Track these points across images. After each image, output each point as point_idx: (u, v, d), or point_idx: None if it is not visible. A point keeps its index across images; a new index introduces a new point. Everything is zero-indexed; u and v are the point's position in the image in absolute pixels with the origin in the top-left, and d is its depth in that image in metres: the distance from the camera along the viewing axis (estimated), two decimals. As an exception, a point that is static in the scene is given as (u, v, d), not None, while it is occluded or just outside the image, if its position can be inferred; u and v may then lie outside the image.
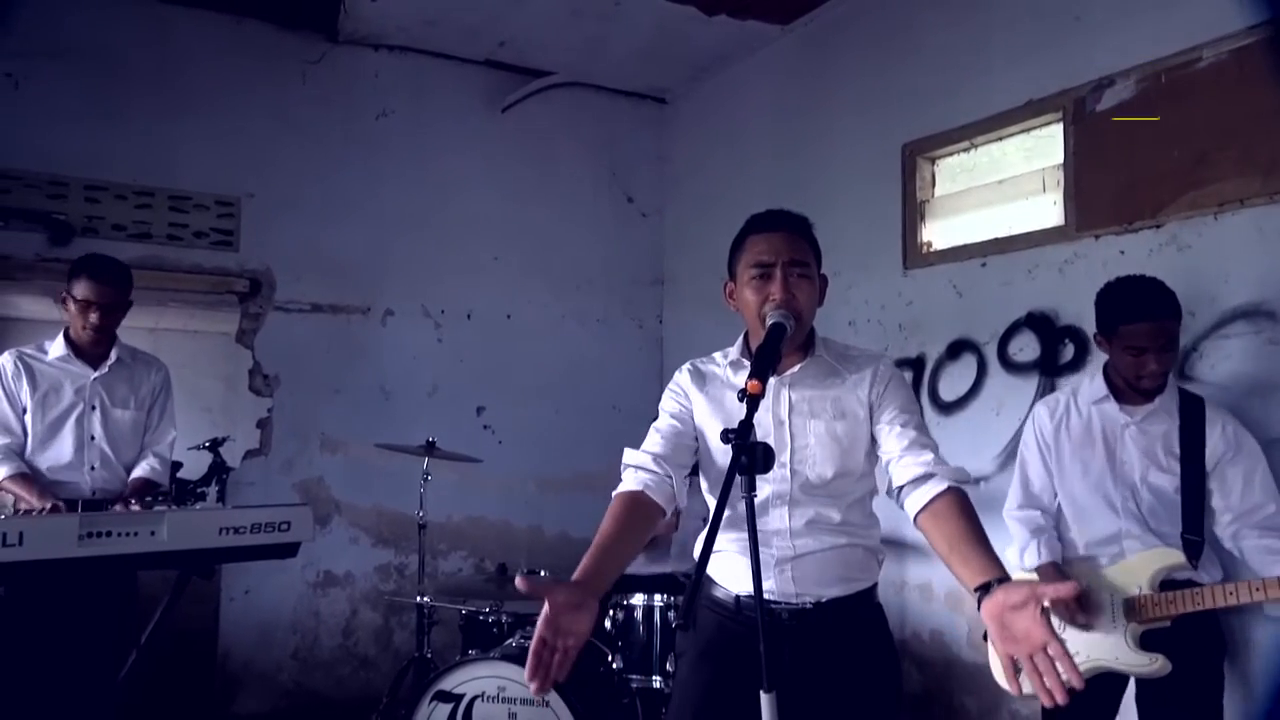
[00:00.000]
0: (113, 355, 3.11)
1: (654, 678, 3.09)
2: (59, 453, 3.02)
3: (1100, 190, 3.10)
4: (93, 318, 2.98)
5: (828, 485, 1.81)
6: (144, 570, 2.78)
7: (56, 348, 3.06)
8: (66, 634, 2.76)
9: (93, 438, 3.05)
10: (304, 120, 4.60)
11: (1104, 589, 2.34)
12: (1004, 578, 1.48)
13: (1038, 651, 1.34)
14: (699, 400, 1.90)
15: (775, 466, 1.64)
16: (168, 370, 3.30)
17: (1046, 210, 3.36)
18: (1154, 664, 2.24)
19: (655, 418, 1.93)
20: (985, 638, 2.57)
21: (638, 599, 3.15)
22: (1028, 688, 1.39)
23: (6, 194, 4.05)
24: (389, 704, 3.51)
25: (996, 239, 3.50)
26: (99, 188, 4.20)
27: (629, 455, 1.84)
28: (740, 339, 1.94)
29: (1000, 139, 3.57)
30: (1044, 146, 3.39)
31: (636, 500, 1.76)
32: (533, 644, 1.44)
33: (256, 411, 4.54)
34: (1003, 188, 3.55)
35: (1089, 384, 2.55)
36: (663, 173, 5.48)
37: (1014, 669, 1.39)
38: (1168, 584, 2.30)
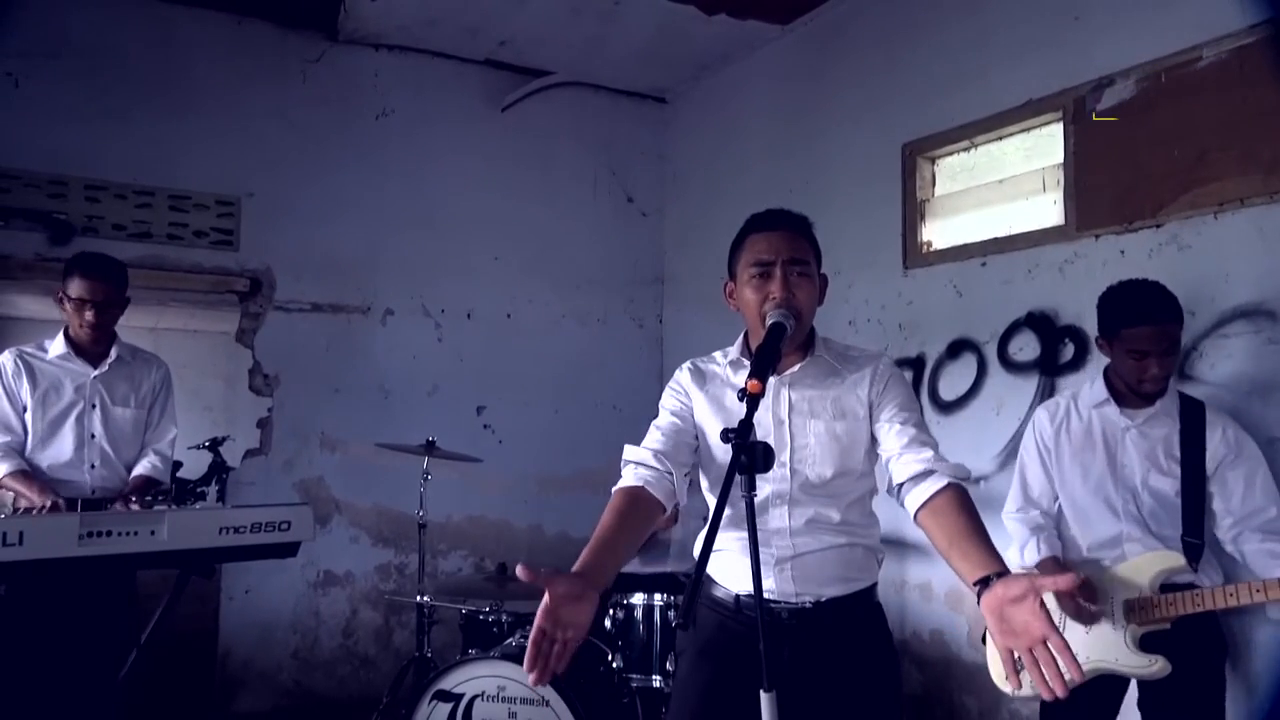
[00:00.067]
0: (113, 353, 3.11)
1: (654, 677, 3.09)
2: (59, 451, 3.02)
3: (1100, 190, 3.10)
4: (88, 315, 2.98)
5: (827, 485, 1.81)
6: (144, 570, 2.78)
7: (57, 346, 3.06)
8: (67, 633, 2.76)
9: (93, 436, 3.05)
10: (304, 120, 4.60)
11: (1104, 590, 2.34)
12: (1003, 571, 1.48)
13: (1037, 644, 1.33)
14: (699, 399, 1.90)
15: (775, 466, 1.64)
16: (168, 368, 3.30)
17: (1046, 210, 3.36)
18: (1154, 665, 2.24)
19: (655, 416, 1.93)
20: (984, 639, 2.58)
21: (638, 598, 3.15)
22: (1025, 688, 1.38)
23: (7, 193, 4.05)
24: (389, 703, 3.51)
25: (996, 239, 3.50)
26: (99, 187, 4.20)
27: (629, 451, 1.84)
28: (740, 338, 1.94)
29: (1000, 139, 3.57)
30: (1044, 146, 3.39)
31: (636, 496, 1.76)
32: (532, 634, 1.43)
33: (256, 411, 4.54)
34: (1003, 187, 3.55)
35: (1089, 388, 2.55)
36: (663, 172, 5.48)
37: (1013, 663, 1.38)
38: (1168, 587, 2.30)
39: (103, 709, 2.79)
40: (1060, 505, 2.55)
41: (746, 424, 1.46)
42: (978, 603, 1.45)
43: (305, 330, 4.59)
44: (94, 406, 3.06)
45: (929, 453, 1.73)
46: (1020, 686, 1.48)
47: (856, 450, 1.83)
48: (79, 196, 4.17)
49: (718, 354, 1.96)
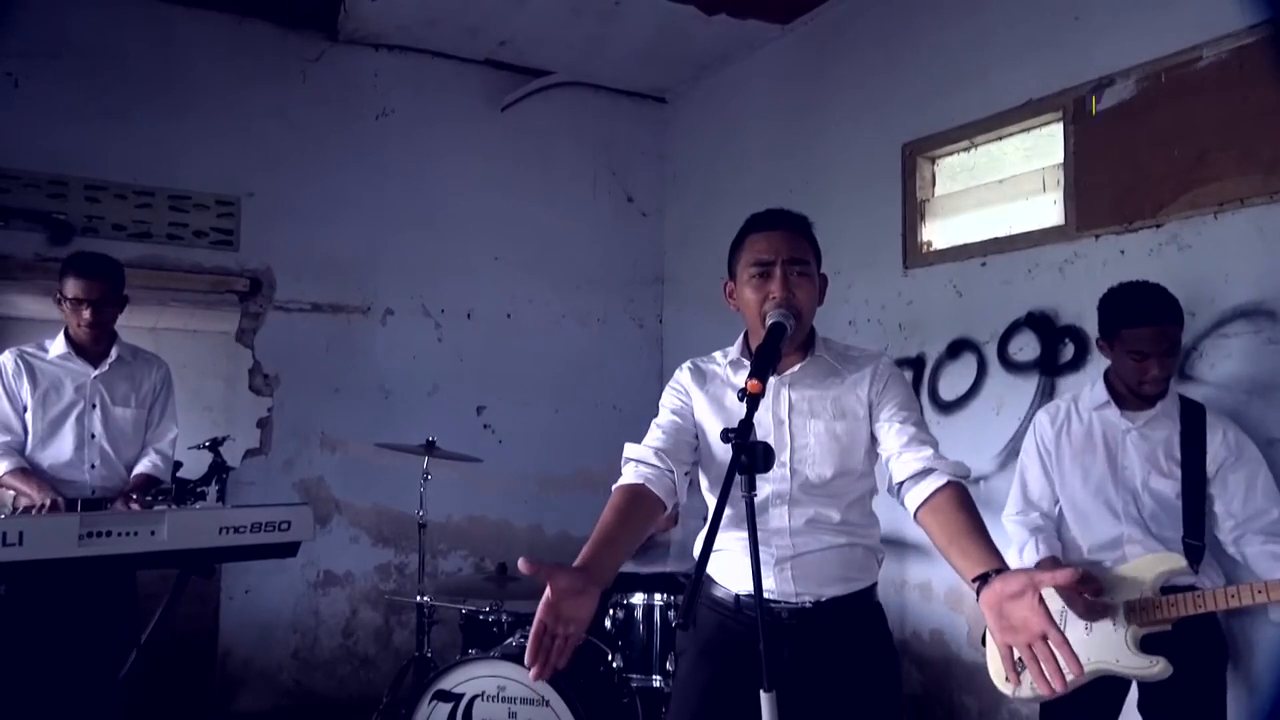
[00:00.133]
0: (113, 353, 3.11)
1: (654, 677, 3.09)
2: (59, 450, 3.02)
3: (1100, 190, 3.10)
4: (85, 315, 2.97)
5: (827, 485, 1.81)
6: (144, 570, 2.78)
7: (57, 346, 3.06)
8: (67, 633, 2.76)
9: (93, 436, 3.05)
10: (304, 120, 4.60)
11: (1105, 591, 2.34)
12: (1003, 568, 1.47)
13: (1036, 640, 1.33)
14: (699, 398, 1.90)
15: (775, 466, 1.64)
16: (169, 368, 3.30)
17: (1046, 210, 3.36)
18: (1154, 666, 2.23)
19: (656, 416, 1.93)
20: (984, 640, 2.58)
21: (638, 598, 3.15)
22: (1025, 688, 1.38)
23: (6, 193, 4.05)
24: (389, 703, 3.51)
25: (996, 238, 3.50)
26: (99, 187, 4.20)
27: (630, 449, 1.84)
28: (740, 338, 1.94)
29: (1000, 138, 3.57)
30: (1044, 146, 3.39)
31: (636, 493, 1.76)
32: (533, 629, 1.43)
33: (256, 411, 4.54)
34: (1003, 187, 3.55)
35: (1090, 390, 2.55)
36: (663, 172, 5.48)
37: (1013, 660, 1.38)
38: (1169, 588, 2.30)
39: (103, 709, 2.78)
40: (1061, 507, 2.55)
41: (746, 424, 1.46)
42: (977, 599, 1.45)
43: (305, 330, 4.59)
44: (94, 406, 3.06)
45: (929, 451, 1.73)
46: (1019, 685, 1.48)
47: (856, 450, 1.83)
48: (79, 196, 4.17)
49: (718, 354, 1.96)
